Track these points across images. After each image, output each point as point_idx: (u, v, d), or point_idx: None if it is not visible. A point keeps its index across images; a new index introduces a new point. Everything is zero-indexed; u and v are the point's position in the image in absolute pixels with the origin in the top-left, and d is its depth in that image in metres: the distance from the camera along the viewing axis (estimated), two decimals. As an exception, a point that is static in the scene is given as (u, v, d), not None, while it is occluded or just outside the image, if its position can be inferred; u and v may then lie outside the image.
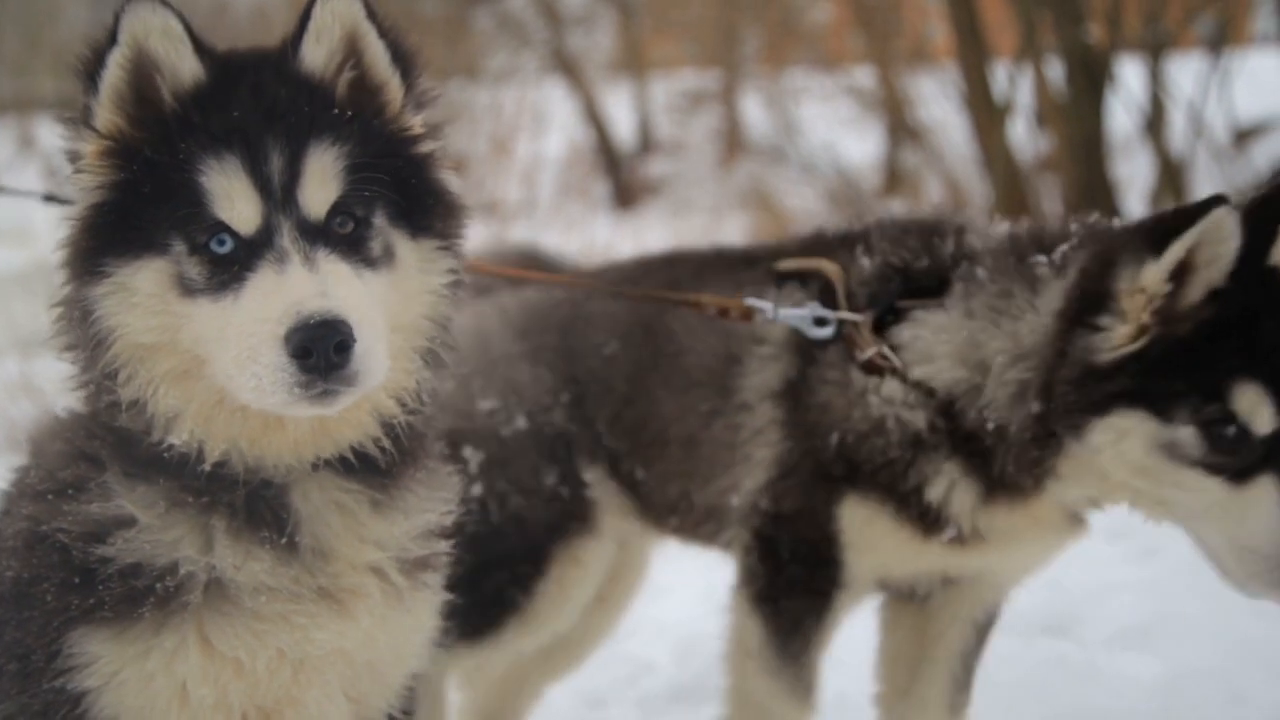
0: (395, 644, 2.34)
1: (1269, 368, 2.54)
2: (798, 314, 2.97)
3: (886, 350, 2.89)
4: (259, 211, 2.10)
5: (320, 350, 1.98)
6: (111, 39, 2.16)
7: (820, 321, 2.96)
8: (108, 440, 2.23)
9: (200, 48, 2.19)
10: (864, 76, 17.55)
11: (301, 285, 2.04)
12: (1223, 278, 2.57)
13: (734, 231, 15.65)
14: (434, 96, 2.38)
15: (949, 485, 2.87)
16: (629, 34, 23.33)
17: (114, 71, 2.16)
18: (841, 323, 2.95)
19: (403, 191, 2.22)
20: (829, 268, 3.05)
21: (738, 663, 3.18)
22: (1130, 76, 12.20)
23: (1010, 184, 9.93)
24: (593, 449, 3.31)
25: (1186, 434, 2.56)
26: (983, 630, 3.25)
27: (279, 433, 2.17)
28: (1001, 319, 2.82)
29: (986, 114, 10.97)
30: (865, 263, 3.03)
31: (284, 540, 2.19)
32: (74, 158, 2.21)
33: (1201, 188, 11.75)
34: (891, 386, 2.88)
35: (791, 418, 3.02)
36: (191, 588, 2.15)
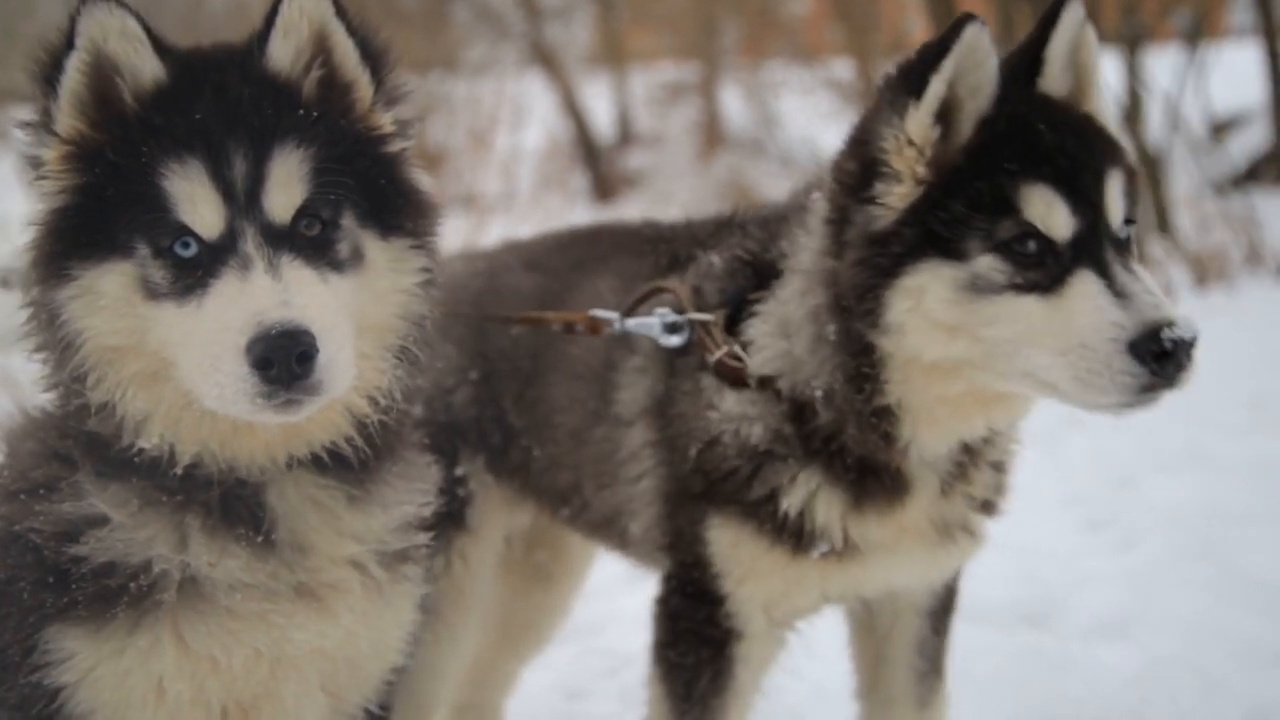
0: (375, 639, 2.33)
1: (1053, 168, 2.39)
2: (646, 322, 2.78)
3: (737, 349, 2.69)
4: (222, 216, 2.08)
5: (281, 361, 1.97)
6: (69, 42, 2.13)
7: (675, 328, 2.76)
8: (80, 440, 2.21)
9: (161, 47, 2.16)
10: (843, 69, 17.56)
11: (264, 294, 2.02)
12: (990, 104, 2.43)
13: (713, 224, 15.64)
14: (406, 92, 2.35)
15: (809, 493, 2.65)
16: (608, 26, 23.29)
17: (73, 75, 2.13)
18: (693, 327, 2.74)
19: (371, 192, 2.20)
20: (672, 284, 2.85)
21: None
22: (1107, 69, 12.24)
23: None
24: (481, 437, 3.15)
25: (985, 263, 2.38)
26: (937, 617, 3.03)
27: (250, 434, 2.15)
28: (791, 271, 2.66)
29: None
30: (715, 259, 2.84)
31: (260, 538, 2.18)
32: (36, 163, 2.18)
33: (1178, 179, 11.81)
34: (737, 389, 2.68)
35: (662, 438, 2.81)
36: (165, 586, 2.15)
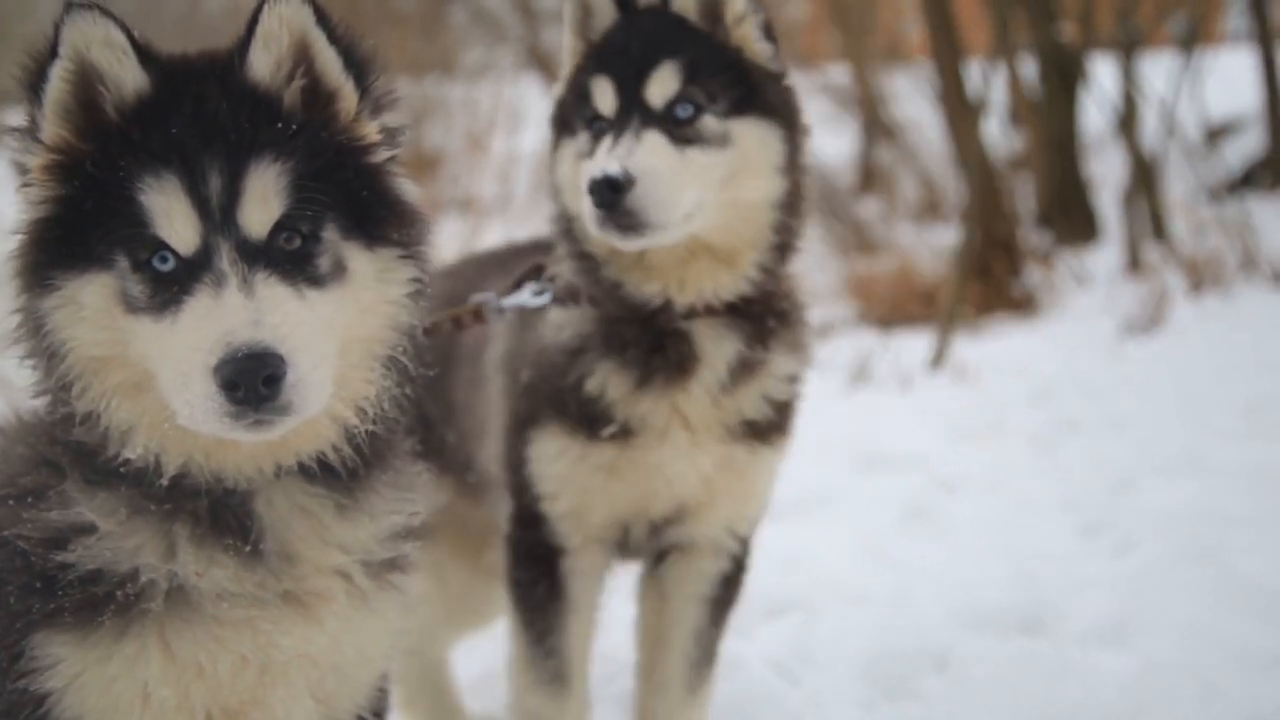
0: (362, 646, 2.32)
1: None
2: (518, 298, 3.20)
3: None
4: (198, 231, 2.05)
5: (248, 384, 1.95)
6: (53, 50, 2.10)
7: (540, 294, 3.18)
8: (68, 447, 2.20)
9: (145, 57, 2.13)
10: (839, 74, 17.57)
11: (234, 313, 1.99)
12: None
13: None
14: (393, 99, 2.32)
15: (605, 375, 3.05)
16: (604, 30, 23.24)
17: (56, 84, 2.11)
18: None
19: (355, 203, 2.17)
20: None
21: (510, 663, 3.34)
22: (1103, 74, 12.25)
23: (984, 182, 9.96)
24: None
25: None
26: (717, 608, 3.31)
27: (234, 446, 2.13)
28: None
29: (961, 112, 10.99)
30: None
31: (248, 547, 2.17)
32: (22, 171, 2.16)
33: (1174, 185, 11.83)
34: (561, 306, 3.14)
35: (508, 379, 3.24)
36: (152, 595, 2.13)
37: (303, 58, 2.18)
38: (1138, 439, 6.23)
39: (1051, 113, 11.82)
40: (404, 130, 2.34)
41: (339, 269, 2.14)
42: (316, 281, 2.11)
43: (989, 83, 9.36)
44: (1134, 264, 10.49)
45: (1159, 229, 10.89)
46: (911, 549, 4.96)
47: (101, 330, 2.10)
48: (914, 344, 9.00)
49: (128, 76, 2.11)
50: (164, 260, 2.06)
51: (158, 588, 2.13)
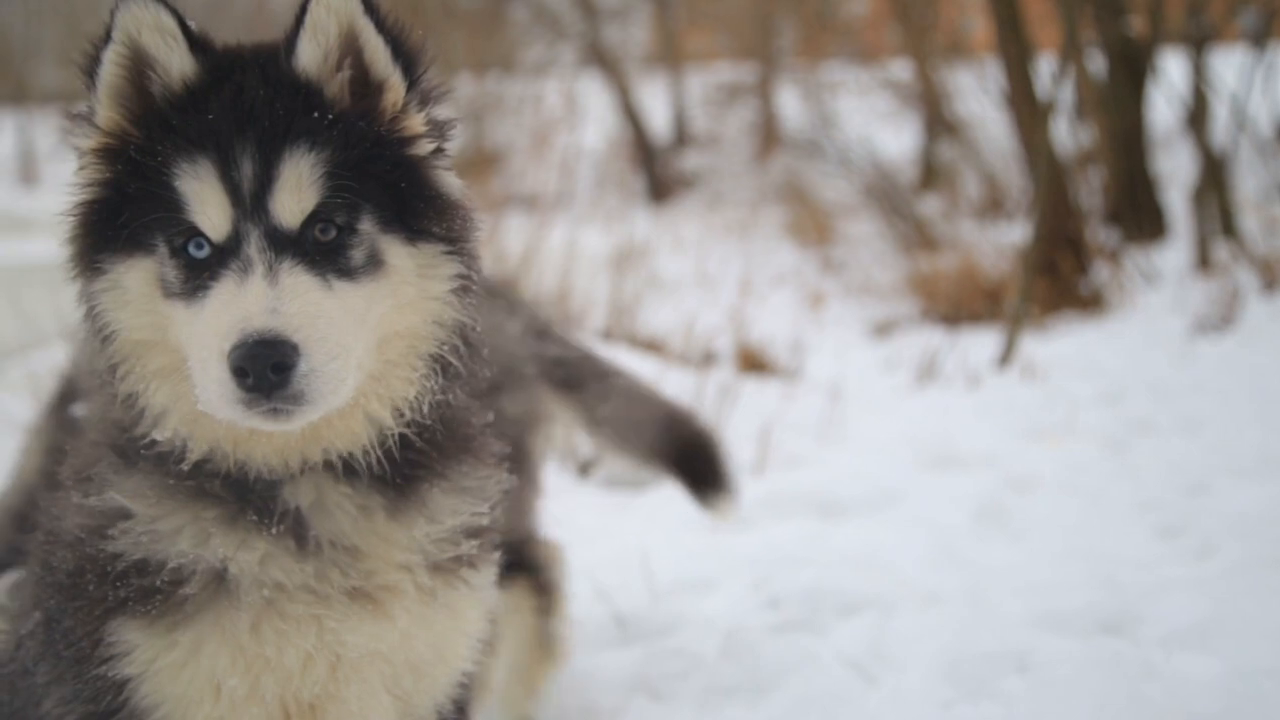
0: (435, 643, 2.32)
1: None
2: None
3: None
4: (229, 218, 2.07)
5: (256, 371, 1.96)
6: (107, 35, 2.14)
7: None
8: (108, 431, 2.26)
9: (196, 45, 2.16)
10: (901, 70, 17.47)
11: (253, 300, 2.01)
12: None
13: (769, 225, 15.62)
14: (443, 92, 2.30)
15: None
16: (664, 27, 23.29)
17: (109, 69, 2.15)
18: None
19: (396, 195, 2.15)
20: None
21: None
22: (1172, 69, 12.10)
23: (1052, 179, 9.86)
24: None
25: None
26: None
27: (263, 436, 2.15)
28: None
29: (1029, 110, 10.89)
30: None
31: (295, 539, 2.19)
32: (80, 154, 2.20)
33: (1244, 182, 11.66)
34: None
35: None
36: (196, 581, 2.16)
37: (351, 48, 2.19)
38: (1211, 440, 6.15)
39: (1119, 109, 11.68)
40: (454, 123, 2.32)
41: (375, 262, 2.13)
42: (348, 273, 2.10)
43: (1058, 81, 9.26)
44: (1204, 262, 10.35)
45: (1229, 226, 10.73)
46: (985, 549, 4.93)
47: (144, 314, 2.14)
48: (980, 342, 8.94)
49: (176, 62, 2.14)
50: (199, 247, 2.09)
51: (197, 574, 2.16)
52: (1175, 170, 12.76)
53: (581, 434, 4.24)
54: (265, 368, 1.96)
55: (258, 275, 2.03)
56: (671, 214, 17.81)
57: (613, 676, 3.94)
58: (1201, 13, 11.40)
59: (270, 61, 2.17)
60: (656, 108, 22.49)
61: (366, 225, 2.13)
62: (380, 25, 2.19)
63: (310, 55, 2.16)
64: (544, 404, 3.92)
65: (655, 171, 20.85)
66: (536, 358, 3.90)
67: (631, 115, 21.13)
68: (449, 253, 2.20)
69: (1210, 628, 3.86)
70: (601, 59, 20.65)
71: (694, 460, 4.11)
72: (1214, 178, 10.76)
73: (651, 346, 8.80)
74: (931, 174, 16.69)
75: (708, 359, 8.45)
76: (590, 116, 17.78)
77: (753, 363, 8.68)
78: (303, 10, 2.16)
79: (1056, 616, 4.09)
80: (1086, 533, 5.03)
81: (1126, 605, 4.11)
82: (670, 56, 23.17)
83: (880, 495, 5.62)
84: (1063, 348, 8.68)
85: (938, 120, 16.56)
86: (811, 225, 14.84)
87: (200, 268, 2.08)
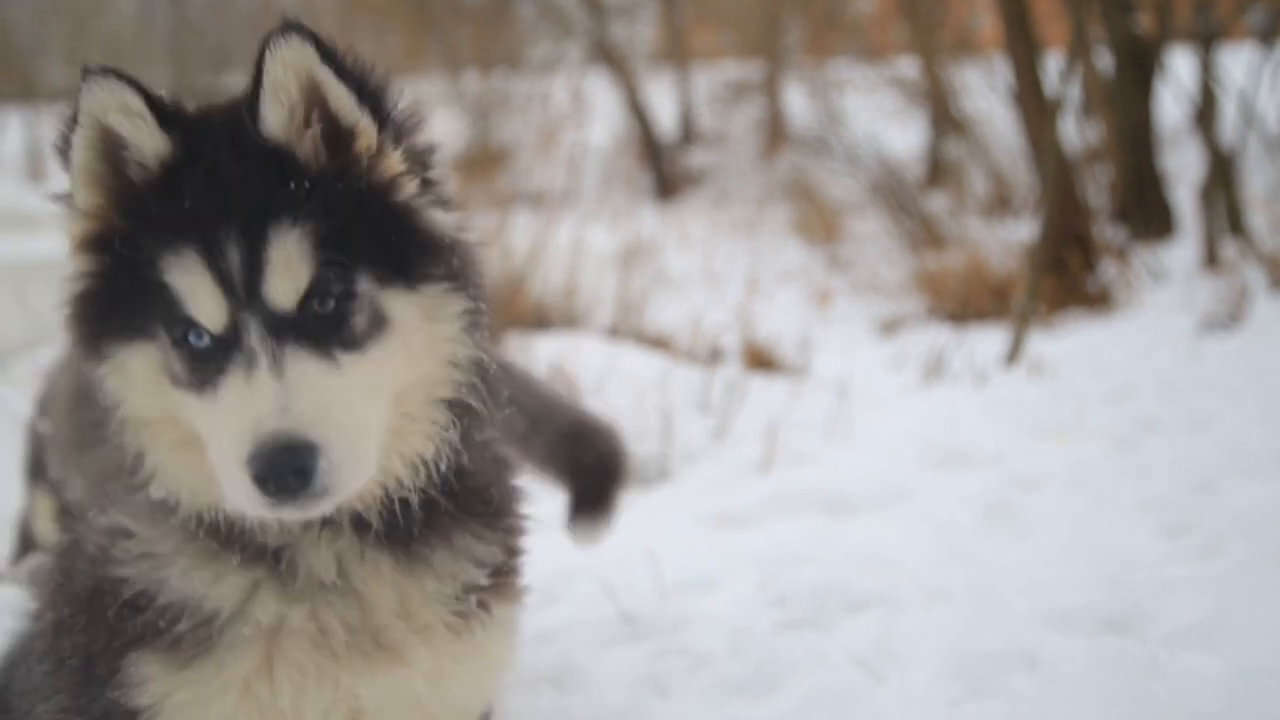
0: (460, 680, 2.29)
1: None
2: None
3: None
4: (225, 309, 2.00)
5: (276, 478, 1.92)
6: (74, 118, 2.07)
7: None
8: (122, 473, 2.25)
9: (165, 118, 2.07)
10: (908, 67, 17.45)
11: (262, 400, 1.95)
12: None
13: (776, 222, 15.61)
14: (416, 119, 2.21)
15: None
16: (671, 24, 23.28)
17: (81, 153, 2.09)
18: None
19: (389, 246, 2.08)
20: None
21: None
22: (1180, 67, 12.08)
23: (1061, 177, 9.85)
24: None
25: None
26: None
27: None
28: None
29: (1037, 107, 10.88)
30: None
31: (309, 588, 2.17)
32: (69, 240, 2.14)
33: (1253, 179, 11.64)
34: None
35: None
36: (205, 622, 2.16)
37: (314, 100, 2.10)
38: (1219, 438, 6.14)
39: (1127, 106, 11.67)
40: (435, 148, 2.24)
41: (379, 321, 2.07)
42: (354, 343, 2.03)
43: (1066, 78, 9.25)
44: (1211, 260, 10.34)
45: (1236, 224, 10.72)
46: (992, 547, 4.93)
47: (151, 396, 2.11)
48: (987, 340, 8.93)
49: (148, 142, 2.07)
50: (199, 337, 2.02)
51: (202, 611, 2.15)
52: (1183, 168, 12.74)
53: None
54: (286, 475, 1.92)
55: (263, 369, 1.97)
56: (678, 211, 17.80)
57: (620, 673, 3.94)
58: (1209, 10, 11.38)
59: (239, 128, 2.08)
60: (663, 105, 22.47)
61: (364, 285, 2.06)
62: (340, 70, 2.10)
63: (276, 118, 2.07)
64: None
65: (662, 169, 20.84)
66: None
67: (638, 112, 21.12)
68: (453, 289, 2.14)
69: (1216, 626, 3.85)
70: (608, 56, 20.63)
71: (582, 483, 3.90)
72: (1222, 175, 10.74)
73: (659, 343, 8.80)
74: (939, 171, 16.69)
75: (715, 356, 8.45)
76: (597, 114, 17.77)
77: (760, 360, 8.68)
78: (259, 71, 2.06)
79: (1063, 615, 4.09)
80: (1093, 531, 5.02)
81: (1132, 604, 4.10)
82: (677, 54, 23.16)
83: (887, 493, 5.61)
84: (1070, 346, 8.67)
85: (945, 118, 16.54)
86: (818, 223, 14.83)
87: (203, 358, 2.03)
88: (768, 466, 6.17)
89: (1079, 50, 9.89)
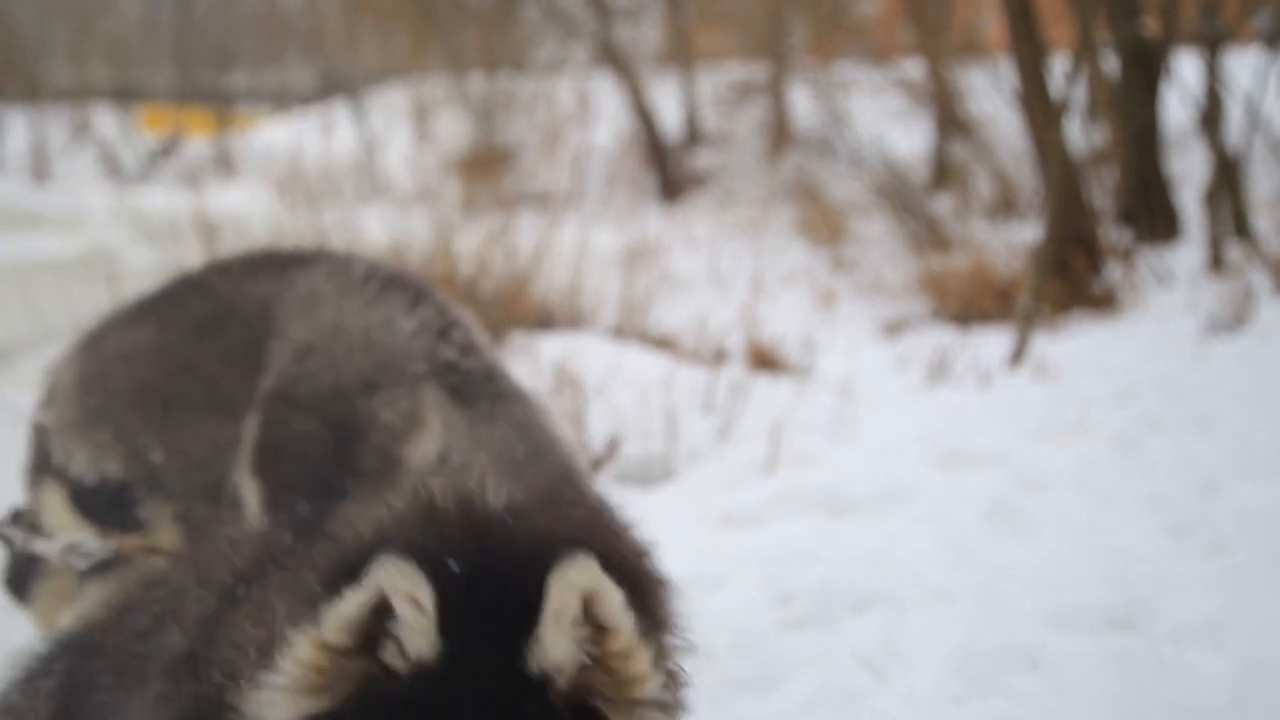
0: None
1: None
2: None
3: None
4: None
5: None
6: (353, 573, 1.84)
7: None
8: None
9: (445, 624, 1.80)
10: (913, 69, 17.46)
11: None
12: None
13: (780, 223, 15.62)
14: (677, 621, 2.01)
15: None
16: (676, 25, 23.29)
17: (349, 606, 1.83)
18: None
19: None
20: None
21: None
22: (1186, 70, 12.07)
23: (1065, 179, 9.85)
24: None
25: None
26: None
27: None
28: None
29: (1042, 109, 10.87)
30: None
31: None
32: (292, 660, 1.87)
33: (1258, 183, 11.63)
34: None
35: None
36: None
37: (590, 616, 1.83)
38: (1224, 439, 6.14)
39: (1132, 109, 11.66)
40: (685, 679, 2.04)
41: None
42: None
43: (1071, 80, 9.24)
44: (1216, 262, 10.33)
45: (1242, 227, 10.70)
46: (996, 547, 4.93)
47: None
48: (992, 341, 8.93)
49: (416, 641, 1.81)
50: None
51: None
52: (1189, 171, 12.73)
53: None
54: None
55: None
56: (683, 212, 17.81)
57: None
58: (1216, 13, 11.36)
59: (509, 658, 1.79)
60: (668, 106, 22.48)
61: None
62: (622, 574, 1.84)
63: (554, 651, 1.79)
64: (425, 410, 3.63)
65: (666, 170, 20.84)
66: (428, 356, 3.65)
67: (643, 113, 21.12)
68: None
69: (1222, 624, 3.85)
70: (613, 57, 20.64)
71: None
72: (1227, 178, 10.73)
73: (663, 343, 8.81)
74: (943, 173, 16.67)
75: (719, 356, 8.45)
76: (602, 115, 17.82)
77: (764, 361, 8.68)
78: (534, 593, 1.78)
79: (1068, 613, 4.09)
80: (1098, 530, 5.03)
81: (1138, 602, 4.10)
82: (682, 55, 23.16)
83: (891, 493, 5.61)
84: (1075, 347, 8.67)
85: (950, 119, 16.54)
86: (823, 224, 14.83)
87: None
88: (772, 466, 6.16)
89: (1085, 53, 9.89)
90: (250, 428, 3.64)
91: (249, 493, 3.64)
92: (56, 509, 3.98)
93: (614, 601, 1.81)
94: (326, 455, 3.56)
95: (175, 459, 3.70)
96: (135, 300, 3.98)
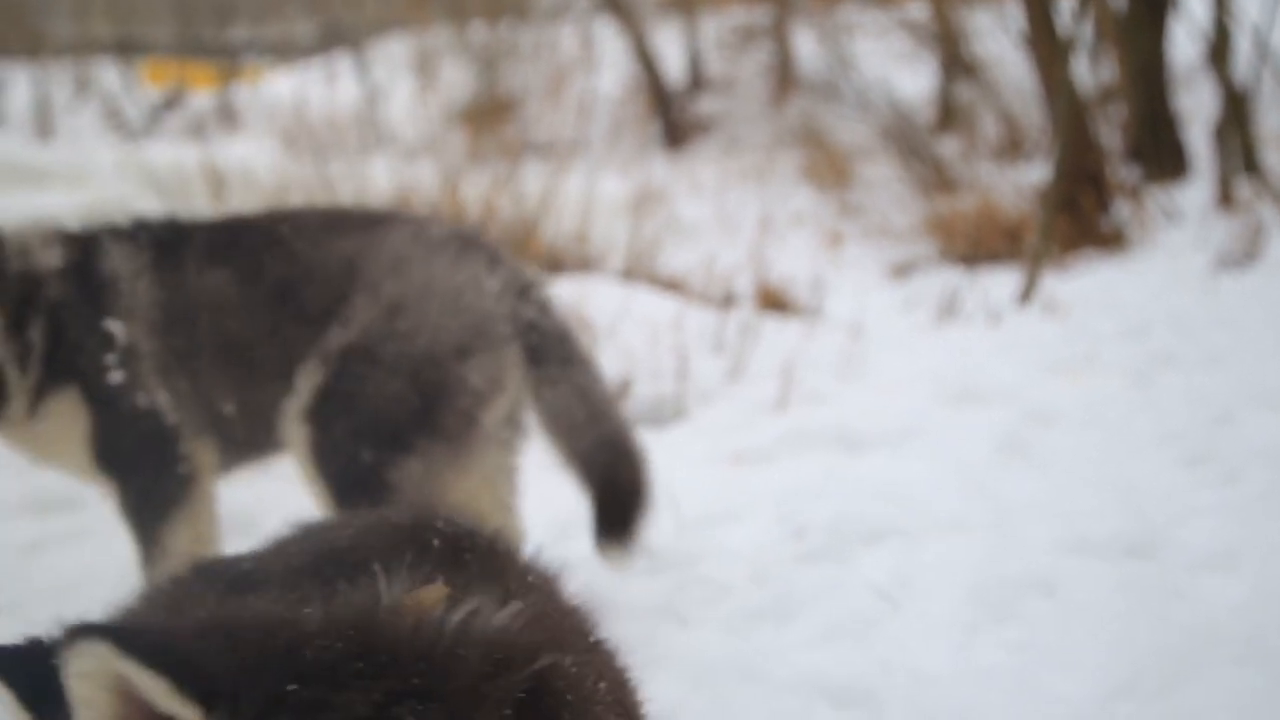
0: None
1: None
2: None
3: None
4: None
5: None
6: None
7: None
8: None
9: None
10: (918, 10, 17.30)
11: None
12: None
13: (786, 168, 15.55)
14: None
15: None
16: (678, -30, 23.06)
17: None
18: None
19: None
20: None
21: None
22: (1194, 2, 11.97)
23: (1073, 117, 9.78)
24: None
25: None
26: None
27: None
28: None
29: (1048, 48, 10.79)
30: None
31: None
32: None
33: (1268, 117, 11.55)
34: None
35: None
36: None
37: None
38: (1235, 373, 6.14)
39: (1139, 44, 11.56)
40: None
41: None
42: None
43: (1078, 17, 9.16)
44: (1225, 198, 10.28)
45: (1251, 163, 10.64)
46: (1009, 480, 4.94)
47: None
48: (1000, 281, 8.92)
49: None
50: None
51: None
52: (1197, 107, 12.64)
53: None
54: None
55: None
56: (688, 159, 17.72)
57: (641, 604, 3.98)
58: (1223, -55, 11.25)
59: None
60: (671, 52, 22.30)
61: None
62: None
63: None
64: (508, 371, 3.75)
65: (671, 116, 20.71)
66: (513, 317, 3.77)
67: (646, 60, 20.96)
68: None
69: (1236, 552, 3.87)
70: (615, 4, 20.46)
71: (613, 503, 3.83)
72: (1236, 113, 10.65)
73: (672, 286, 8.80)
74: (949, 115, 16.55)
75: (728, 298, 8.44)
76: (605, 62, 17.69)
77: (773, 301, 8.67)
78: None
79: (1081, 542, 4.11)
80: (1110, 463, 5.04)
81: (1152, 531, 4.13)
82: (684, 0, 22.96)
83: (902, 429, 5.63)
84: (1084, 285, 8.65)
85: (955, 60, 16.40)
86: (829, 168, 14.75)
87: None
88: (783, 405, 6.18)
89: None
90: (311, 376, 3.64)
91: (296, 439, 3.66)
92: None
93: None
94: (406, 413, 3.59)
95: (245, 412, 3.74)
96: (201, 227, 3.89)
